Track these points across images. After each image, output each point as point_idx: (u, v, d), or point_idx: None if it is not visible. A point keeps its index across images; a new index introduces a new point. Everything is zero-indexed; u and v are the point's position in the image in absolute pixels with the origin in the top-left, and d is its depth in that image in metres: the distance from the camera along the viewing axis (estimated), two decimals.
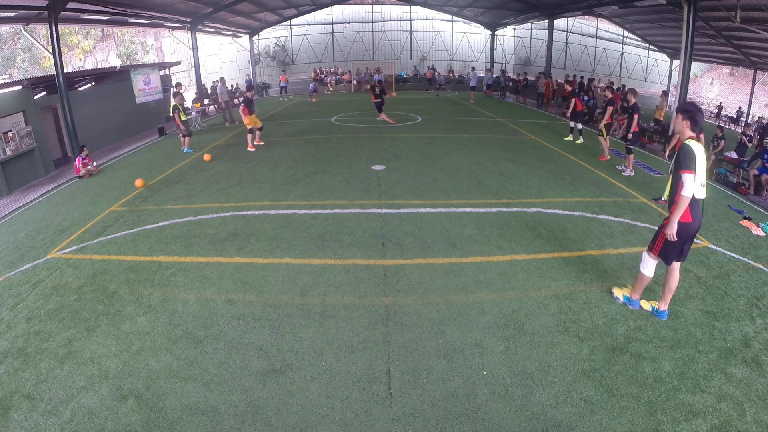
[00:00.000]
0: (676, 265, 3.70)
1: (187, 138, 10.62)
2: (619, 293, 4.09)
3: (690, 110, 3.55)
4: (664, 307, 3.83)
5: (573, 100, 10.66)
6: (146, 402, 2.99)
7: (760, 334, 3.65)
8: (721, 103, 23.70)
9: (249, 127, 10.15)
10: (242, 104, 10.38)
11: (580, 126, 10.73)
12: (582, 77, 18.94)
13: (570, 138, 10.91)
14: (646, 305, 3.95)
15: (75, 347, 3.56)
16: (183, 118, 10.65)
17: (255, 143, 10.35)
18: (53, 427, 2.80)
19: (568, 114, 10.94)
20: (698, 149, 3.43)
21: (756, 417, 2.81)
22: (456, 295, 4.17)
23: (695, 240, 5.36)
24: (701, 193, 3.48)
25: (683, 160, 3.40)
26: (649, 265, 3.76)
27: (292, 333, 3.68)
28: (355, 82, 24.51)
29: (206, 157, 9.43)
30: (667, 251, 3.61)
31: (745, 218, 6.19)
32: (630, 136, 8.15)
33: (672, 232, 3.45)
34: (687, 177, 3.34)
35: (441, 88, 22.89)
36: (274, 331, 3.71)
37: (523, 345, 3.49)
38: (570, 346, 3.48)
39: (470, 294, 4.20)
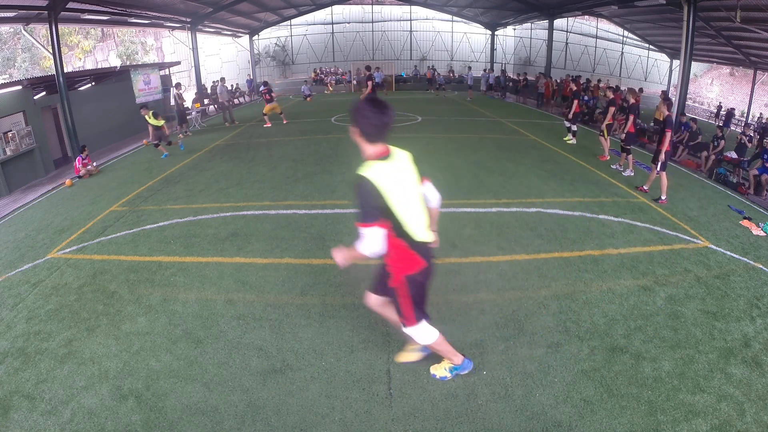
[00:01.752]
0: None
1: (160, 146, 10.09)
2: (439, 371, 3.10)
3: (358, 111, 2.29)
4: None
5: (575, 102, 10.63)
6: (146, 402, 2.99)
7: (760, 334, 3.65)
8: (721, 103, 23.70)
9: (271, 112, 13.45)
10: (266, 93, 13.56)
11: (575, 127, 10.73)
12: (588, 79, 18.96)
13: (568, 138, 10.91)
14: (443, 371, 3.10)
15: (75, 347, 3.56)
16: (157, 123, 9.99)
17: (266, 126, 13.36)
18: (53, 427, 2.80)
19: (570, 115, 10.89)
20: (388, 176, 2.29)
21: (756, 417, 2.81)
22: (456, 295, 4.17)
23: (695, 240, 5.40)
24: (424, 236, 2.52)
25: (360, 206, 2.26)
26: (425, 334, 2.79)
27: (292, 333, 3.68)
28: (354, 82, 24.51)
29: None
30: (420, 308, 2.71)
31: (745, 218, 6.19)
32: (623, 136, 8.15)
33: (342, 261, 2.50)
34: (366, 233, 2.26)
35: (441, 88, 22.84)
36: (274, 331, 3.71)
37: (523, 345, 3.49)
38: (570, 346, 3.48)
39: (470, 294, 4.19)
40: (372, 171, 2.30)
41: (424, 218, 2.54)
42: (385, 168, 2.33)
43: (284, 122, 13.59)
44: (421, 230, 2.50)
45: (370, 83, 12.64)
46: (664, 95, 14.23)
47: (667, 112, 6.72)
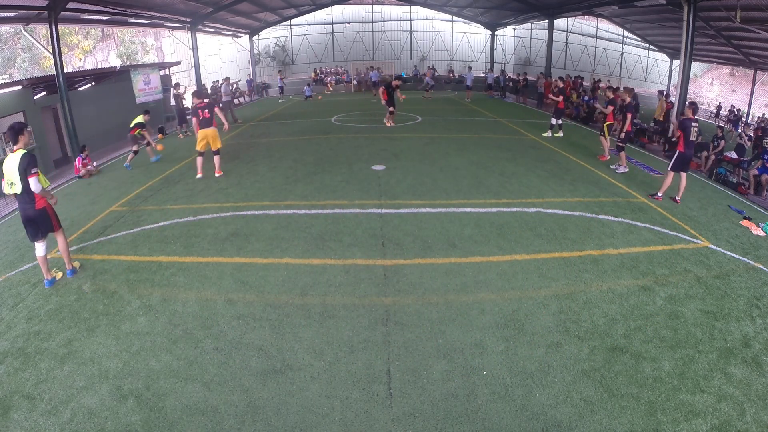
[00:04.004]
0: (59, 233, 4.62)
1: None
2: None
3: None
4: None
5: (560, 98, 11.01)
6: (146, 402, 2.99)
7: (760, 334, 3.65)
8: (720, 103, 23.70)
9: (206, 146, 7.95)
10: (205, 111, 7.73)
11: (553, 121, 11.31)
12: (596, 80, 18.98)
13: (548, 134, 11.41)
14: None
15: (75, 347, 3.56)
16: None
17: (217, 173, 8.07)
18: (53, 427, 2.80)
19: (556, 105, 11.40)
20: (7, 161, 4.21)
21: (756, 417, 2.81)
22: (456, 295, 4.17)
23: (695, 240, 5.40)
24: (11, 190, 4.28)
25: None
26: (36, 251, 4.50)
27: (292, 333, 3.68)
28: (355, 82, 24.51)
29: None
30: (29, 235, 4.49)
31: (745, 218, 6.19)
32: (623, 135, 8.29)
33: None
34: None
35: (429, 89, 20.58)
36: (274, 331, 3.71)
37: (523, 345, 3.49)
38: (570, 346, 3.48)
39: (470, 294, 4.19)
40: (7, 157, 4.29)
41: (14, 186, 4.23)
42: (8, 157, 4.25)
43: (217, 173, 7.99)
44: (10, 190, 4.29)
45: (384, 93, 12.20)
46: (661, 94, 14.32)
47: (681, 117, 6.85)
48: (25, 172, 4.20)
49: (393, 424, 2.81)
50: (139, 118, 9.54)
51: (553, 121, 11.32)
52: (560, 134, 11.31)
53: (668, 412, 2.85)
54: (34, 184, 4.24)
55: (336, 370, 3.27)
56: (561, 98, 11.03)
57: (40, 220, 4.42)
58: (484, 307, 3.99)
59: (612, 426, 2.75)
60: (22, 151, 4.24)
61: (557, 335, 3.60)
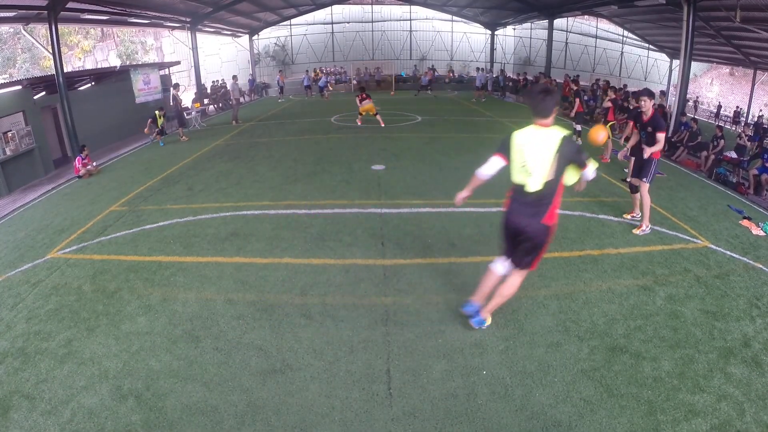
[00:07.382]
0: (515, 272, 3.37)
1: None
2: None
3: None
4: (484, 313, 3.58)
5: (576, 101, 10.71)
6: (146, 402, 2.99)
7: (760, 334, 3.65)
8: (720, 103, 23.69)
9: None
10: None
11: (579, 128, 10.70)
12: (606, 81, 18.89)
13: (579, 141, 10.96)
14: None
15: (75, 347, 3.56)
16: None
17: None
18: (53, 427, 2.80)
19: (572, 114, 10.95)
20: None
21: (756, 417, 2.81)
22: (456, 295, 4.17)
23: (695, 240, 5.39)
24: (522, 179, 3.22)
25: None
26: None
27: (291, 333, 3.68)
28: (354, 82, 24.53)
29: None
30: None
31: (744, 218, 6.19)
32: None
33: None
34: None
35: (426, 90, 21.68)
36: (274, 331, 3.71)
37: (522, 345, 3.49)
38: (570, 345, 3.48)
39: (470, 294, 4.18)
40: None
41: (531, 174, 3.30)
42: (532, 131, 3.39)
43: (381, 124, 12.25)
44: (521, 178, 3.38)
45: None
46: (663, 94, 14.23)
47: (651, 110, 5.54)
48: (569, 160, 3.06)
49: (393, 423, 2.81)
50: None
51: (578, 127, 10.65)
52: (578, 142, 10.86)
53: (668, 412, 2.85)
54: (591, 170, 3.13)
55: (336, 369, 3.27)
56: (578, 101, 10.60)
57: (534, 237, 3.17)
58: None
59: (612, 425, 2.75)
60: (560, 131, 3.06)
61: (557, 335, 3.60)
